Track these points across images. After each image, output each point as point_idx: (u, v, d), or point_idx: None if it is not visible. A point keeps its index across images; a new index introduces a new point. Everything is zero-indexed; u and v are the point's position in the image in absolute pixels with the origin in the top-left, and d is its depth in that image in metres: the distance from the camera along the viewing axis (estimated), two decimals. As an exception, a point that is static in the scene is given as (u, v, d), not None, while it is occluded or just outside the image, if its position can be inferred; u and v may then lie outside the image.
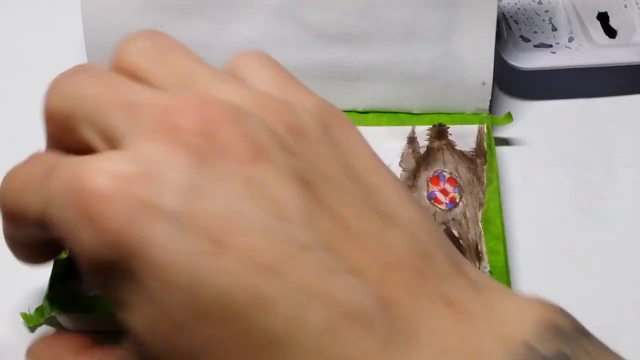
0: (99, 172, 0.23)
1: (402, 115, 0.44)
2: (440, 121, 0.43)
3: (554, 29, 0.50)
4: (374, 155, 0.27)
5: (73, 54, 0.48)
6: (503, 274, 0.37)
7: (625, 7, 0.50)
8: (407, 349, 0.22)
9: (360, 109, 0.44)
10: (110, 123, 0.25)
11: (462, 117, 0.44)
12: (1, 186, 0.28)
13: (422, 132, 0.43)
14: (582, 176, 0.44)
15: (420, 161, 0.41)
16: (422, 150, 0.42)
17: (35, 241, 0.29)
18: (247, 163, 0.23)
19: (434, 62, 0.43)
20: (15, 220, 0.27)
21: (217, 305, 0.22)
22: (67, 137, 0.27)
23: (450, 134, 0.43)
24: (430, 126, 0.43)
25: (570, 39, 0.49)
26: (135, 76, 0.28)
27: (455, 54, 0.43)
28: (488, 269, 0.37)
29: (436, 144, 0.42)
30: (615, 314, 0.38)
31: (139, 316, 0.23)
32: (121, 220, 0.22)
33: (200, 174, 0.23)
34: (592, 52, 0.48)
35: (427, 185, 0.40)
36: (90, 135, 0.26)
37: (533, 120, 0.46)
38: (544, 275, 0.39)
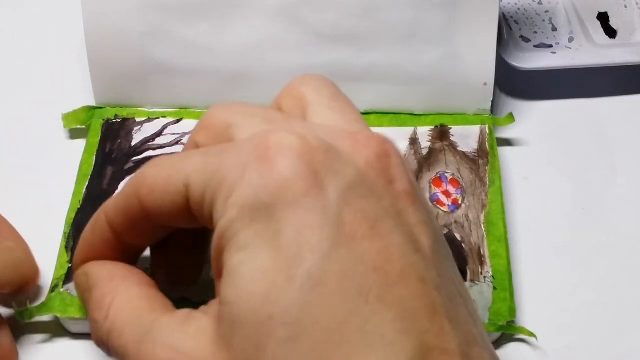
0: (287, 132, 0.26)
1: (403, 116, 0.44)
2: (442, 122, 0.43)
3: (554, 29, 0.50)
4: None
5: (73, 54, 0.49)
6: (505, 277, 0.37)
7: (626, 7, 0.50)
8: None
9: (362, 110, 0.44)
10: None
11: (464, 118, 0.44)
12: (146, 165, 0.30)
13: (424, 133, 0.43)
14: (584, 176, 0.44)
15: (422, 162, 0.41)
16: (424, 152, 0.42)
17: (137, 233, 0.30)
18: (403, 199, 0.26)
19: (435, 63, 0.43)
20: (151, 194, 0.28)
21: (337, 280, 0.24)
22: (218, 142, 0.29)
23: (452, 135, 0.43)
24: (432, 127, 0.43)
25: (571, 39, 0.49)
26: (301, 107, 0.31)
27: (456, 54, 0.43)
28: (490, 273, 0.37)
29: (438, 145, 0.42)
30: (617, 315, 0.38)
31: (258, 259, 0.25)
32: (295, 171, 0.25)
33: (368, 181, 0.26)
34: (592, 52, 0.48)
35: (430, 186, 0.40)
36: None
37: (533, 120, 0.46)
38: (546, 276, 0.39)
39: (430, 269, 0.25)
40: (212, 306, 0.27)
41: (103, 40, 0.43)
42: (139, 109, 0.44)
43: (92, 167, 0.41)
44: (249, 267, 0.25)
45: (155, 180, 0.28)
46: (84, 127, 0.44)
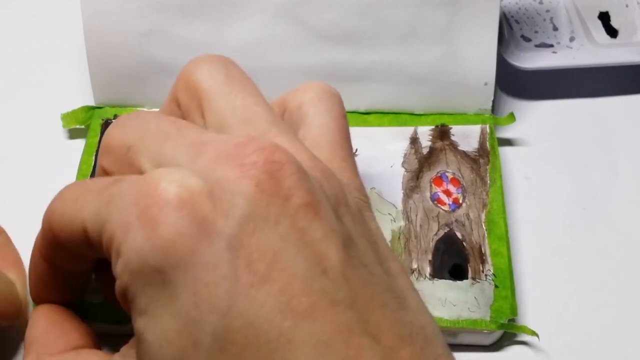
0: (167, 180, 0.25)
1: (404, 116, 0.44)
2: (442, 122, 0.44)
3: (555, 28, 0.50)
4: (387, 243, 0.29)
5: (73, 54, 0.49)
6: (506, 276, 0.37)
7: (627, 6, 0.51)
8: None
9: (362, 109, 0.44)
10: (172, 155, 0.27)
11: (465, 118, 0.44)
12: (55, 197, 0.30)
13: (425, 132, 0.43)
14: (585, 176, 0.44)
15: (423, 162, 0.42)
16: (425, 151, 0.42)
17: (65, 260, 0.30)
18: (302, 214, 0.25)
19: (436, 62, 0.43)
20: (60, 230, 0.28)
21: (243, 334, 0.23)
22: (122, 168, 0.29)
23: (453, 135, 0.43)
24: (433, 127, 0.43)
25: (572, 39, 0.49)
26: (196, 98, 0.30)
27: (457, 54, 0.43)
28: (492, 271, 0.37)
29: (439, 144, 0.43)
30: (618, 314, 0.38)
31: (159, 326, 0.24)
32: (179, 229, 0.24)
33: (261, 208, 0.24)
34: (593, 51, 0.48)
35: (430, 186, 0.41)
36: (148, 167, 0.27)
37: (534, 120, 0.47)
38: (547, 276, 0.40)
39: (340, 287, 0.24)
40: (127, 358, 0.27)
41: (102, 40, 0.43)
42: (138, 108, 0.44)
43: (92, 167, 0.41)
44: (154, 335, 0.24)
45: (61, 217, 0.28)
46: (83, 127, 0.44)
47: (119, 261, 0.25)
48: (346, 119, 0.32)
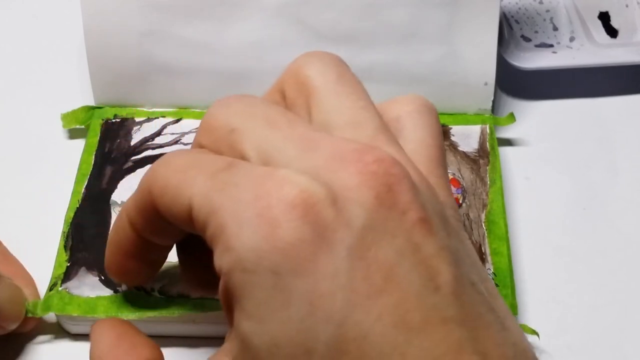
0: (289, 182, 0.25)
1: (404, 115, 0.44)
2: (442, 122, 0.44)
3: (555, 28, 0.51)
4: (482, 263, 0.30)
5: (73, 54, 0.49)
6: (507, 275, 0.38)
7: (627, 6, 0.51)
8: None
9: None
10: (280, 147, 0.27)
11: (465, 118, 0.44)
12: (160, 161, 0.29)
13: (425, 132, 0.43)
14: (585, 176, 0.44)
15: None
16: (425, 151, 0.42)
17: (154, 230, 0.30)
18: (417, 230, 0.25)
19: (436, 62, 0.44)
20: (161, 196, 0.28)
21: (358, 346, 0.23)
22: (221, 148, 0.28)
23: (453, 135, 0.43)
24: (433, 127, 0.44)
25: (572, 39, 0.50)
26: (305, 93, 0.29)
27: (457, 54, 0.44)
28: (492, 270, 0.38)
29: (439, 144, 0.43)
30: (619, 314, 0.39)
31: (269, 332, 0.24)
32: (300, 235, 0.24)
33: (379, 221, 0.24)
34: (593, 51, 0.48)
35: (430, 186, 0.41)
36: (252, 154, 0.27)
37: (534, 120, 0.47)
38: (547, 275, 0.40)
39: (452, 304, 0.24)
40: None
41: (102, 40, 0.43)
42: (138, 108, 0.45)
43: (92, 167, 0.42)
44: (263, 340, 0.24)
45: (165, 183, 0.28)
46: (83, 127, 0.45)
47: (227, 254, 0.25)
48: (442, 135, 0.32)
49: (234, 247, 0.24)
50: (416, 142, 0.31)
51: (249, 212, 0.24)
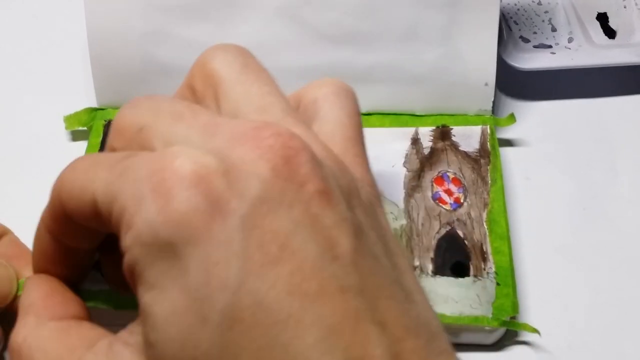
0: (183, 156, 0.25)
1: (405, 116, 0.45)
2: (443, 122, 0.45)
3: (554, 29, 0.51)
4: (396, 239, 0.30)
5: (76, 56, 0.50)
6: (508, 274, 0.38)
7: (625, 7, 0.52)
8: None
9: (364, 110, 0.44)
10: (184, 135, 0.27)
11: (465, 119, 0.45)
12: (66, 167, 0.29)
13: (426, 133, 0.44)
14: (585, 176, 0.45)
15: (424, 162, 0.43)
16: (426, 151, 0.43)
17: (71, 235, 0.30)
18: (316, 201, 0.25)
19: (436, 63, 0.44)
20: (68, 200, 0.28)
21: (252, 313, 0.24)
22: (133, 148, 0.29)
23: (454, 135, 0.44)
24: (434, 127, 0.44)
25: (570, 40, 0.50)
26: (212, 85, 0.30)
27: (457, 55, 0.44)
28: (493, 269, 0.38)
29: (440, 144, 0.44)
30: (619, 313, 0.39)
31: (167, 301, 0.25)
32: (193, 205, 0.24)
33: (275, 192, 0.25)
34: (591, 52, 0.49)
35: (432, 185, 0.42)
36: (160, 147, 0.28)
37: (533, 120, 0.48)
38: (548, 275, 0.41)
39: (350, 273, 0.25)
40: (134, 335, 0.27)
41: (105, 42, 0.44)
42: None
43: None
44: (161, 309, 0.25)
45: (71, 186, 0.28)
46: (85, 128, 0.45)
47: (129, 233, 0.25)
48: (360, 115, 0.33)
49: (133, 224, 0.25)
50: (333, 122, 0.31)
51: (145, 189, 0.25)
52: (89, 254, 0.33)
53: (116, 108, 0.45)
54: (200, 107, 0.29)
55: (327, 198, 0.26)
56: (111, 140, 0.30)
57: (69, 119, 0.45)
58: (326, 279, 0.24)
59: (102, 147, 0.43)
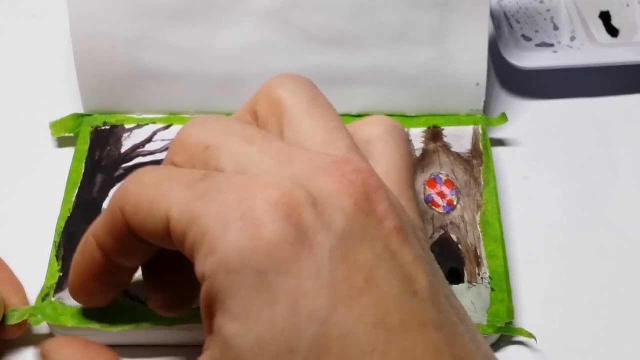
0: (273, 185, 0.26)
1: (396, 118, 0.44)
2: (434, 123, 0.45)
3: (556, 28, 0.51)
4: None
5: (61, 62, 0.50)
6: (503, 278, 0.38)
7: (628, 6, 0.52)
8: None
9: (354, 112, 0.45)
10: (257, 160, 0.28)
11: (457, 119, 0.45)
12: (130, 179, 0.30)
13: (417, 134, 0.44)
14: (584, 176, 0.45)
15: (416, 164, 0.43)
16: (418, 153, 0.43)
17: (124, 251, 0.31)
18: (394, 238, 0.26)
19: (427, 64, 0.45)
20: (134, 213, 0.29)
21: (340, 344, 0.24)
22: (195, 166, 0.29)
23: (446, 136, 0.44)
24: (425, 128, 0.45)
25: (572, 38, 0.50)
26: (277, 114, 0.31)
27: (448, 55, 0.44)
28: (488, 274, 0.38)
29: (432, 146, 0.44)
30: (617, 317, 0.39)
31: (254, 331, 0.25)
32: (284, 235, 0.25)
33: (358, 226, 0.26)
34: (594, 51, 0.49)
35: (424, 188, 0.42)
36: (228, 168, 0.28)
37: (535, 119, 0.48)
38: (545, 277, 0.41)
39: (429, 309, 0.26)
40: None
41: (90, 47, 0.44)
42: (128, 115, 0.45)
43: (82, 175, 0.42)
44: (247, 340, 0.25)
45: (139, 200, 0.29)
46: (72, 135, 0.45)
47: (210, 258, 0.26)
48: (412, 157, 0.34)
49: (218, 249, 0.25)
50: (387, 164, 0.32)
51: (233, 215, 0.26)
52: (132, 272, 0.33)
53: (103, 114, 0.45)
54: (270, 133, 0.30)
55: (405, 235, 0.27)
56: (172, 155, 0.30)
57: (55, 126, 0.45)
58: (408, 314, 0.25)
59: (89, 155, 0.43)
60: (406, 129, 0.44)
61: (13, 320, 0.37)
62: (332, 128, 0.30)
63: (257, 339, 0.25)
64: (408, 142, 0.34)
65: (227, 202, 0.26)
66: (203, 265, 0.26)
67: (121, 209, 0.29)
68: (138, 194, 0.29)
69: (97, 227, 0.31)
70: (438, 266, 0.29)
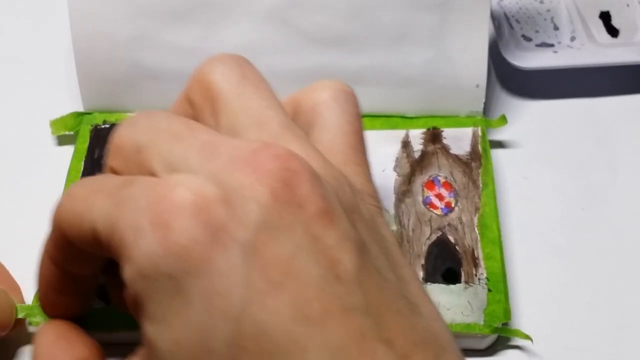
0: (181, 186, 0.26)
1: (395, 119, 0.45)
2: (434, 124, 0.45)
3: (556, 28, 0.51)
4: (402, 251, 0.30)
5: (61, 60, 0.50)
6: (500, 279, 0.39)
7: (628, 6, 0.52)
8: None
9: None
10: (183, 156, 0.28)
11: (456, 120, 0.45)
12: (64, 195, 0.30)
13: (417, 136, 0.45)
14: (584, 176, 0.45)
15: (415, 165, 0.43)
16: (417, 155, 0.44)
17: (75, 262, 0.31)
18: (316, 222, 0.26)
19: (427, 64, 0.45)
20: (69, 228, 0.29)
21: (256, 342, 0.24)
22: (132, 168, 0.29)
23: (445, 138, 0.44)
24: (425, 130, 0.45)
25: (572, 38, 0.51)
26: (210, 98, 0.31)
27: (448, 56, 0.45)
28: (485, 275, 0.39)
29: (431, 147, 0.44)
30: (615, 317, 0.40)
31: (171, 333, 0.25)
32: (193, 236, 0.25)
33: (275, 216, 0.25)
34: (594, 51, 0.49)
35: (422, 190, 0.42)
36: (159, 168, 0.28)
37: (535, 120, 0.48)
38: (544, 278, 0.41)
39: (354, 292, 0.25)
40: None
41: (90, 46, 0.44)
42: (127, 114, 0.45)
43: (81, 174, 0.43)
44: (165, 342, 0.25)
45: (70, 215, 0.29)
46: (72, 133, 0.46)
47: (128, 266, 0.26)
48: (361, 120, 0.33)
49: (132, 256, 0.26)
50: (333, 130, 0.32)
51: (143, 220, 0.26)
52: (92, 279, 0.34)
53: (103, 112, 0.46)
54: (198, 124, 0.30)
55: (329, 217, 0.26)
56: (110, 160, 0.30)
57: (55, 124, 0.46)
58: (329, 301, 0.25)
59: (89, 153, 0.44)
60: (405, 130, 0.45)
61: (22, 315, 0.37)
62: (262, 107, 0.30)
63: (174, 341, 0.25)
64: (357, 105, 0.33)
65: (139, 207, 0.26)
66: (124, 272, 0.26)
67: (58, 223, 0.30)
68: (68, 209, 0.29)
69: (47, 242, 0.32)
70: (385, 232, 0.29)
